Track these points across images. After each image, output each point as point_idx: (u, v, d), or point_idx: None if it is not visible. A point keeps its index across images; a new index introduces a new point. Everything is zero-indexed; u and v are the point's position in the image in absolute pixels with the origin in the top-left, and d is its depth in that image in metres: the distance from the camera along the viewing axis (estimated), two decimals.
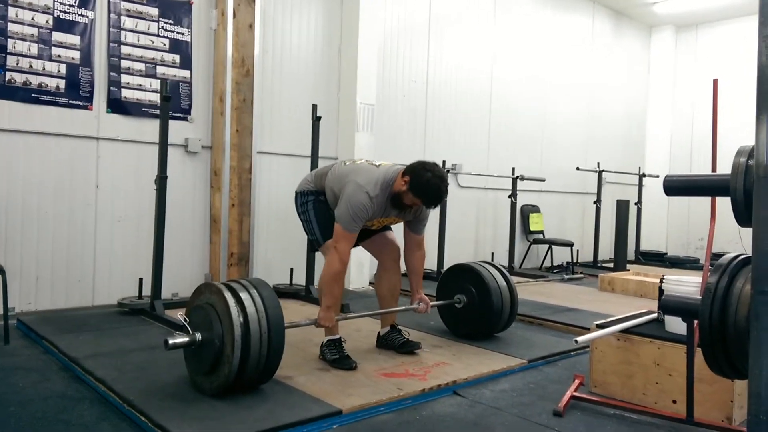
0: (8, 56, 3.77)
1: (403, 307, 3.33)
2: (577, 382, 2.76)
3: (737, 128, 7.90)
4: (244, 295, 2.47)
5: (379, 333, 3.37)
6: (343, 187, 2.95)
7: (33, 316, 3.79)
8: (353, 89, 5.38)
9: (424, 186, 2.85)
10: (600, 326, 2.79)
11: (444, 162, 5.99)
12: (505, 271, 3.65)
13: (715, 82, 2.75)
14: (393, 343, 3.27)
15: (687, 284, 2.73)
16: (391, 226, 3.33)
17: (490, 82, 6.87)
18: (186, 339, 2.46)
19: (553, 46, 7.63)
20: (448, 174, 6.01)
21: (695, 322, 2.24)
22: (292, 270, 4.94)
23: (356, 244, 3.19)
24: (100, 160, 4.18)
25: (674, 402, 2.56)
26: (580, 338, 2.57)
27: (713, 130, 2.74)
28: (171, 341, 2.41)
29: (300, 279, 4.89)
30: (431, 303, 3.31)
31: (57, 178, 4.00)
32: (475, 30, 6.67)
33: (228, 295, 2.44)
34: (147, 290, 4.04)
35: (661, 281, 2.86)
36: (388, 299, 3.32)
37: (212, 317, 2.44)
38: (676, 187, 1.73)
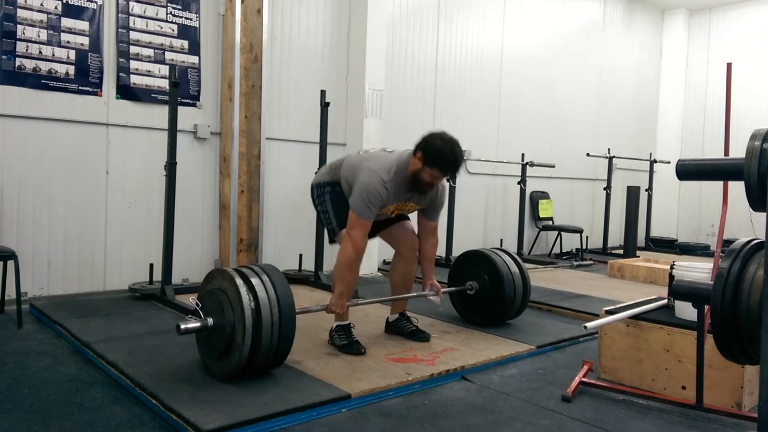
0: (18, 42, 3.78)
1: (415, 294, 3.33)
2: (585, 367, 2.76)
3: (750, 113, 7.84)
4: (255, 281, 2.47)
5: (387, 319, 3.38)
6: (356, 175, 2.92)
7: (45, 301, 3.83)
8: (362, 75, 5.36)
9: (437, 154, 2.78)
10: (609, 312, 2.79)
11: None
12: (518, 258, 3.63)
13: (729, 65, 2.71)
14: (402, 330, 3.28)
15: (698, 270, 2.71)
16: (408, 215, 3.31)
17: (499, 67, 6.81)
18: (198, 324, 2.48)
19: (564, 30, 7.55)
20: None
21: (706, 307, 2.23)
22: (301, 256, 4.95)
23: (374, 235, 3.18)
24: (110, 146, 4.19)
25: (683, 388, 2.55)
26: (589, 324, 2.57)
27: (726, 115, 2.70)
28: (183, 326, 2.43)
29: (309, 265, 4.91)
30: (443, 289, 3.31)
31: (67, 164, 4.02)
32: (484, 14, 6.61)
33: (240, 282, 2.45)
34: (158, 275, 4.07)
35: (672, 267, 2.85)
36: (401, 287, 3.31)
37: (224, 303, 2.45)
38: (689, 171, 1.71)
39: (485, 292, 3.51)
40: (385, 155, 2.99)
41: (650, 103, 9.08)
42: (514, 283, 3.47)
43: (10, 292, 3.57)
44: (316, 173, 3.41)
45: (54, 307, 3.66)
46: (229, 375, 2.44)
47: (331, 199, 3.11)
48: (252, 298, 2.42)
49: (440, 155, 2.79)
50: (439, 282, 3.31)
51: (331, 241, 3.20)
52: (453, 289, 3.64)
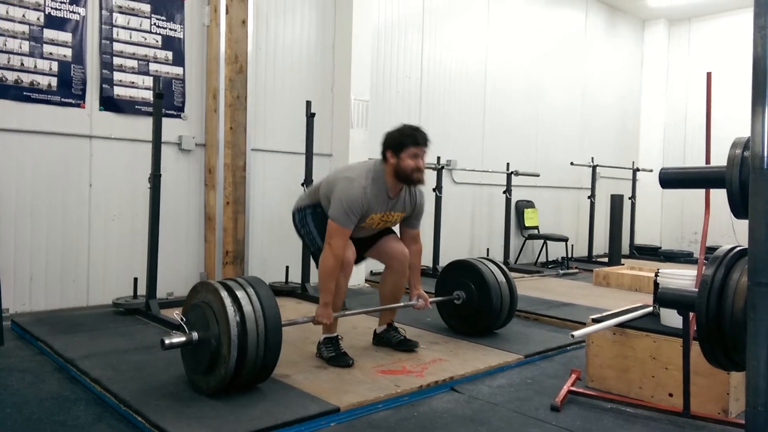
0: None
1: (402, 304, 3.32)
2: (573, 376, 2.77)
3: (730, 121, 7.96)
4: (240, 294, 2.45)
5: (375, 330, 3.37)
6: (333, 188, 2.95)
7: (27, 317, 3.77)
8: (347, 85, 5.36)
9: (399, 135, 2.93)
10: (596, 321, 2.80)
11: (438, 158, 5.98)
12: (505, 268, 3.64)
13: (709, 75, 2.75)
14: (390, 341, 3.27)
15: (682, 277, 2.74)
16: (393, 228, 3.30)
17: (484, 77, 6.87)
18: (182, 339, 2.45)
19: (546, 40, 7.63)
20: (443, 170, 6.02)
21: (691, 314, 2.25)
22: (287, 268, 4.93)
23: (362, 256, 3.20)
24: (94, 159, 4.15)
25: (670, 395, 2.56)
26: (576, 333, 2.57)
27: (707, 123, 2.74)
28: (167, 341, 2.40)
29: (296, 277, 4.88)
30: (430, 299, 3.31)
31: (50, 177, 3.97)
32: (468, 25, 6.66)
33: (224, 294, 2.43)
34: (142, 290, 4.02)
35: (657, 275, 2.87)
36: (390, 299, 3.30)
37: (209, 316, 2.42)
38: (671, 179, 1.73)
39: (472, 302, 3.51)
40: (360, 164, 3.10)
41: (633, 112, 9.20)
42: (501, 292, 3.48)
43: None
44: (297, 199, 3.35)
45: (36, 323, 3.60)
46: (215, 389, 2.41)
47: (313, 219, 3.12)
48: (237, 310, 2.40)
49: (402, 134, 2.93)
50: (426, 292, 3.30)
51: (317, 263, 3.04)
52: (440, 299, 3.63)
